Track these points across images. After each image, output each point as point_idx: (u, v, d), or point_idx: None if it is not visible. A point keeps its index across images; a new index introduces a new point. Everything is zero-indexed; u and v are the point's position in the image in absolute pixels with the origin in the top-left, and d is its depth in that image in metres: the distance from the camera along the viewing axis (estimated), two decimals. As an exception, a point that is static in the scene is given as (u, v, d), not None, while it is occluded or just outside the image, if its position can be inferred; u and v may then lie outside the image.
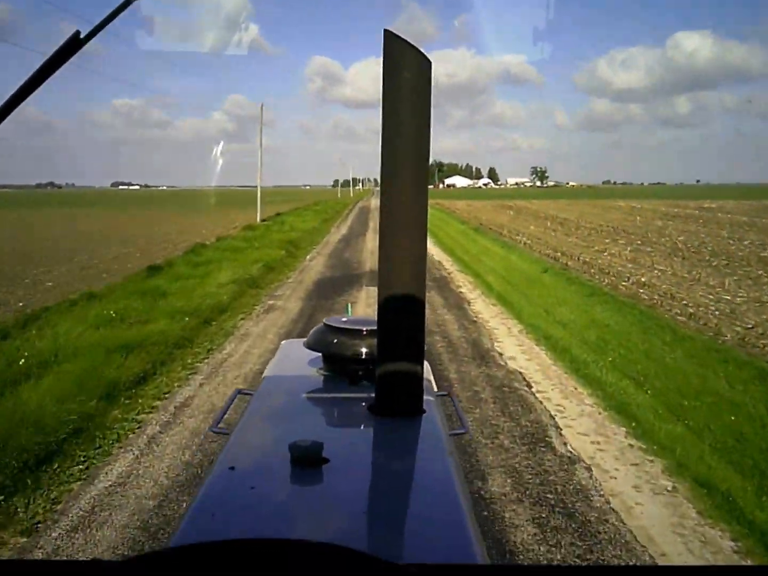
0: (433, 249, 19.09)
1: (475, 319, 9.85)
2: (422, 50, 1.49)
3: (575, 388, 6.26)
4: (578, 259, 16.84)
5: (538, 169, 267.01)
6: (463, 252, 18.28)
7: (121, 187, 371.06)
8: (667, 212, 38.61)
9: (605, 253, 18.26)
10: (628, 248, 19.52)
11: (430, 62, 1.52)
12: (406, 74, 1.50)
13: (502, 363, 7.19)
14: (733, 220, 32.11)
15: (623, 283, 12.85)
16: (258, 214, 31.27)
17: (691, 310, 9.84)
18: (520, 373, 6.76)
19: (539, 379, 6.57)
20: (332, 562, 0.61)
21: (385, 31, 1.48)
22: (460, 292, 11.98)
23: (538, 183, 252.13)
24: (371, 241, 21.10)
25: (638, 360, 6.94)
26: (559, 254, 17.70)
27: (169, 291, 10.37)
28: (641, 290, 11.94)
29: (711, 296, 11.22)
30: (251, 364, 6.93)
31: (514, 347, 8.04)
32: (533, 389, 6.21)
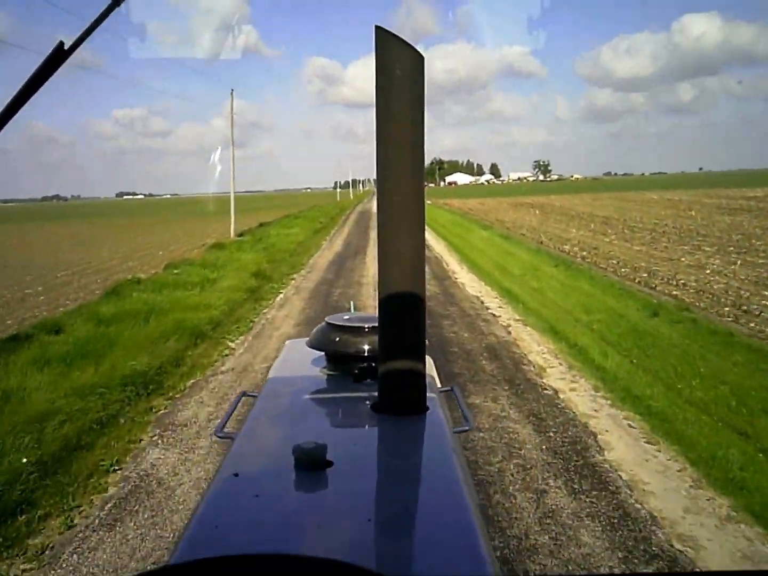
0: (465, 276, 13.52)
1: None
2: (420, 46, 1.56)
3: None
4: (686, 286, 11.24)
5: (541, 163, 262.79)
6: (513, 281, 12.64)
7: (126, 197, 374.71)
8: (720, 204, 32.90)
9: (707, 270, 12.67)
10: (730, 261, 13.90)
11: (422, 57, 1.50)
12: (399, 71, 1.48)
13: None
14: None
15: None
16: (232, 228, 25.73)
17: None
18: None
19: None
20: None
21: (377, 27, 1.47)
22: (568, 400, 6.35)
23: (541, 177, 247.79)
24: (373, 265, 15.53)
25: None
26: (652, 278, 12.12)
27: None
28: None
29: None
30: None
31: None
32: None
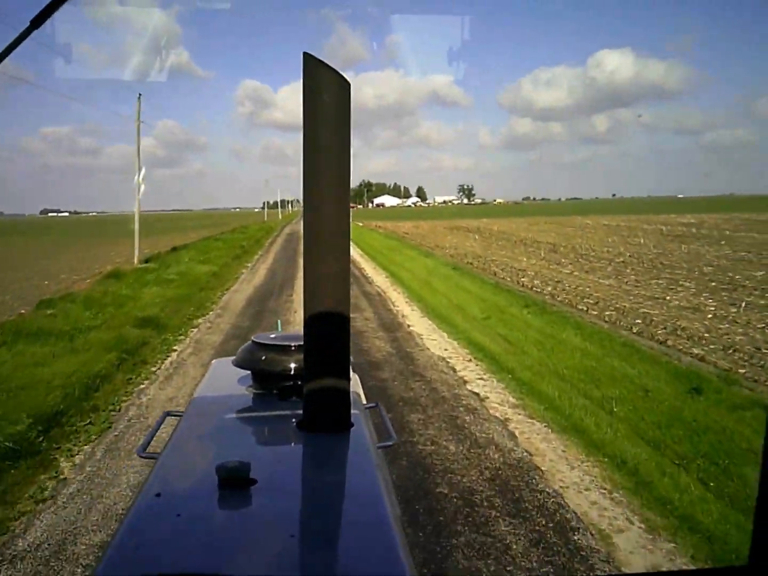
0: (420, 322, 10.61)
1: None
2: (351, 72, 1.60)
3: None
4: (702, 340, 8.89)
5: (465, 187, 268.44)
6: (481, 331, 9.94)
7: (50, 214, 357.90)
8: (661, 231, 32.02)
9: (709, 315, 10.47)
10: (726, 301, 11.86)
11: (348, 84, 1.52)
12: (326, 96, 1.50)
13: None
14: (748, 237, 25.65)
15: None
16: (136, 253, 21.97)
17: None
18: None
19: None
20: None
21: (305, 54, 1.50)
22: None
23: (465, 201, 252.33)
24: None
25: None
26: (651, 327, 9.74)
27: None
28: None
29: None
30: None
31: None
32: None
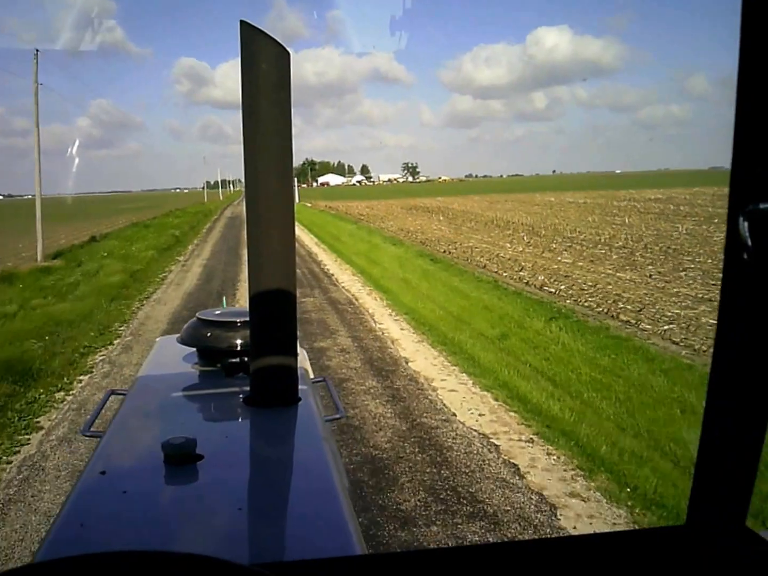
0: (420, 351, 6.99)
1: None
2: (291, 50, 1.47)
3: None
4: None
5: (410, 165, 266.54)
6: (512, 365, 6.82)
7: None
8: (638, 208, 29.79)
9: None
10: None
11: (287, 52, 1.48)
12: (264, 66, 1.45)
13: None
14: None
15: None
16: (39, 248, 17.87)
17: None
18: None
19: None
20: (177, 571, 0.59)
21: (242, 22, 1.43)
22: None
23: (410, 178, 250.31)
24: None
25: None
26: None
27: None
28: None
29: None
30: None
31: None
32: None
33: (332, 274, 13.78)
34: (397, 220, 28.12)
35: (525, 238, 19.20)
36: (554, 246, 17.12)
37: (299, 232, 24.57)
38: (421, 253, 16.36)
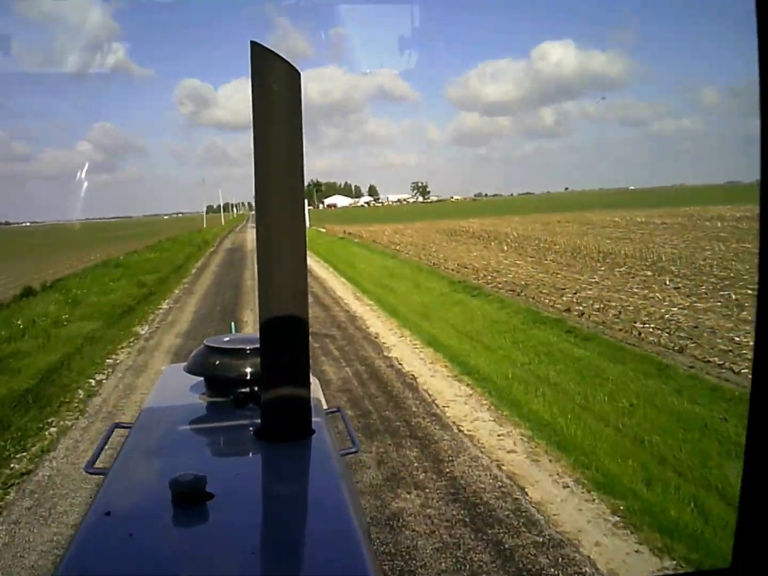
0: None
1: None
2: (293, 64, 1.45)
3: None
4: None
5: (419, 185, 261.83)
6: None
7: None
8: (709, 226, 23.43)
9: None
10: None
11: (298, 73, 1.46)
12: (275, 86, 1.43)
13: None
14: None
15: None
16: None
17: None
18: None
19: None
20: None
21: (252, 43, 1.42)
22: None
23: (420, 198, 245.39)
24: None
25: None
26: None
27: None
28: None
29: None
30: None
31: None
32: None
33: (416, 378, 7.39)
34: (445, 250, 21.89)
35: (667, 281, 12.88)
36: (737, 298, 10.78)
37: (323, 272, 18.40)
38: (536, 316, 10.06)
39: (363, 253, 22.02)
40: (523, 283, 13.46)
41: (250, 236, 38.24)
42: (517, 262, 17.46)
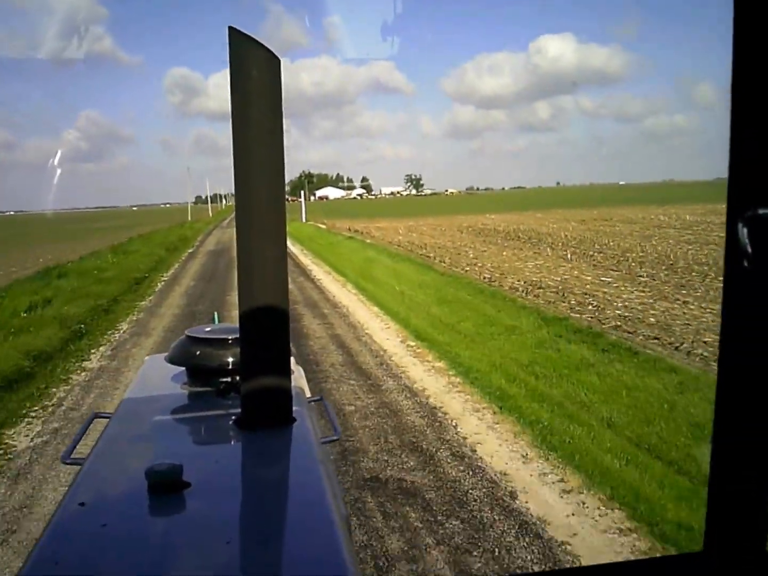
0: None
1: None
2: (287, 59, 1.38)
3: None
4: None
5: (413, 177, 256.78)
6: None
7: None
8: None
9: None
10: None
11: (278, 59, 1.42)
12: (254, 72, 1.39)
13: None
14: None
15: None
16: None
17: None
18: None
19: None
20: None
21: (230, 28, 1.35)
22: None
23: (414, 191, 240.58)
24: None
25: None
26: None
27: None
28: None
29: None
30: None
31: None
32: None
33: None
34: (487, 257, 17.04)
35: None
36: None
37: (355, 305, 13.47)
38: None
39: (387, 263, 16.81)
40: (661, 322, 8.66)
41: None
42: (603, 278, 12.65)
